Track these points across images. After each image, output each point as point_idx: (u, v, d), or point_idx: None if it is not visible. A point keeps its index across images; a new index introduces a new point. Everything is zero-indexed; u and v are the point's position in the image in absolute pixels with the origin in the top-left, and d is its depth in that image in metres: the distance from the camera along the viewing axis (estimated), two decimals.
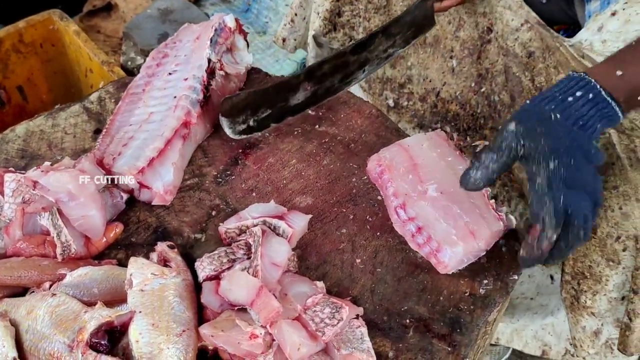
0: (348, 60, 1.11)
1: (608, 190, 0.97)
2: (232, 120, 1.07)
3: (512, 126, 0.87)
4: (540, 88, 1.16)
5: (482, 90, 1.25)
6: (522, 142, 0.86)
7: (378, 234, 0.99)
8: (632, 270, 0.97)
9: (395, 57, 1.17)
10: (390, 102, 1.37)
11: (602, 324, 1.08)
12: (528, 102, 0.89)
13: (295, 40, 1.55)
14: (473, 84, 1.26)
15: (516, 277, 0.95)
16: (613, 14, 1.09)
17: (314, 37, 1.45)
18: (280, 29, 1.56)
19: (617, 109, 0.85)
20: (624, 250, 0.97)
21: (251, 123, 1.08)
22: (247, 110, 1.07)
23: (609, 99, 0.86)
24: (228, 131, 1.07)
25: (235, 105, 1.06)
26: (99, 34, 2.40)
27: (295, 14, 1.50)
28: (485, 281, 0.94)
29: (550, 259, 0.84)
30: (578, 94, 0.87)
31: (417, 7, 1.14)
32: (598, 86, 0.86)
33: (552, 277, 1.37)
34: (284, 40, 1.56)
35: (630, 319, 1.01)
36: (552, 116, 0.87)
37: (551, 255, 0.83)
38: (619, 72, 0.87)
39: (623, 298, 1.03)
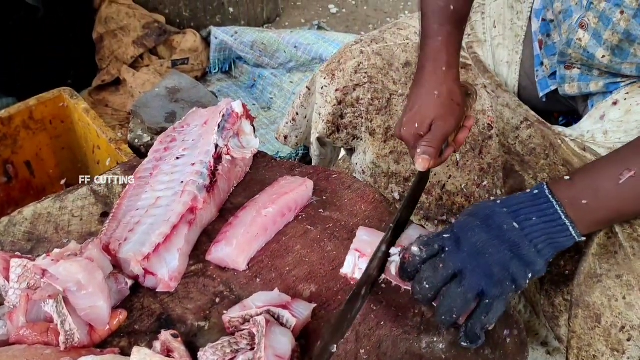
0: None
1: (612, 279, 0.97)
2: None
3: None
4: None
5: (484, 184, 1.27)
6: (454, 226, 0.94)
7: (382, 323, 0.98)
8: None
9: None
10: (396, 195, 1.39)
11: None
12: None
13: (297, 137, 1.59)
14: (476, 178, 1.28)
15: None
16: (614, 104, 1.12)
17: (318, 139, 1.49)
18: (282, 126, 1.60)
19: (558, 208, 0.91)
20: (628, 340, 0.96)
21: None
22: None
23: (549, 196, 0.92)
24: None
25: None
26: (107, 107, 2.46)
27: (297, 113, 1.55)
28: None
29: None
30: (527, 191, 0.94)
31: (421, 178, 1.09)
32: (545, 186, 0.93)
33: None
34: (285, 137, 1.61)
35: None
36: (492, 201, 0.95)
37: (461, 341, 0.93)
38: (566, 178, 0.94)
39: None
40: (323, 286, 1.03)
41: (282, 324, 0.93)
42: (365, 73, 1.36)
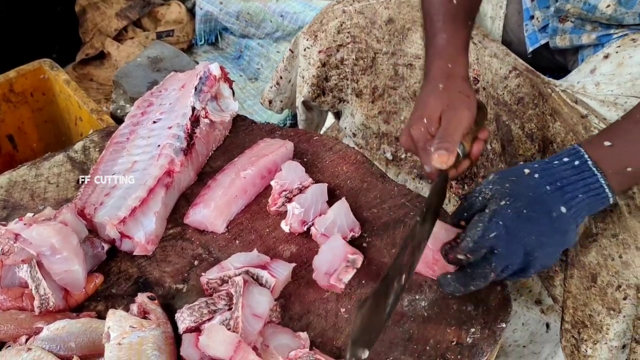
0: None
1: (607, 238, 0.96)
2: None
3: (489, 177, 0.88)
4: (531, 135, 1.16)
5: None
6: (490, 186, 0.88)
7: (363, 282, 0.97)
8: (633, 319, 0.96)
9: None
10: (389, 155, 1.37)
11: None
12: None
13: (281, 102, 1.56)
14: None
15: (504, 325, 0.93)
16: (606, 57, 1.09)
17: (304, 103, 1.46)
18: (267, 91, 1.57)
19: (603, 181, 0.85)
20: (624, 298, 0.95)
21: None
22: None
23: (594, 169, 0.86)
24: None
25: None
26: (91, 81, 2.43)
27: (281, 77, 1.52)
28: (473, 330, 0.91)
29: (448, 284, 0.88)
30: (565, 159, 0.87)
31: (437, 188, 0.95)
32: (586, 155, 0.87)
33: (547, 326, 1.35)
34: (270, 102, 1.58)
35: None
36: (529, 172, 0.88)
37: (450, 281, 0.88)
38: (607, 143, 0.88)
39: (624, 346, 1.01)
40: (303, 247, 1.02)
41: (261, 284, 0.92)
42: (348, 32, 1.33)
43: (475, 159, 1.01)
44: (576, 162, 0.87)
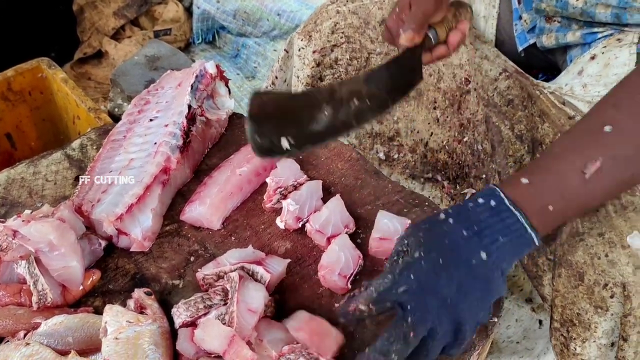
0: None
1: (594, 237, 0.97)
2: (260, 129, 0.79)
3: (405, 230, 0.83)
4: (520, 136, 1.17)
5: (465, 139, 1.26)
6: (406, 241, 0.80)
7: (357, 277, 0.98)
8: (621, 317, 0.97)
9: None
10: (382, 155, 1.38)
11: None
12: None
13: None
14: (457, 134, 1.27)
15: (496, 320, 0.94)
16: (592, 58, 1.11)
17: None
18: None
19: (524, 221, 0.78)
20: (611, 297, 0.96)
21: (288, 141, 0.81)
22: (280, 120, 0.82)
23: (512, 208, 0.79)
24: (255, 147, 0.79)
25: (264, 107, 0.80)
26: (89, 80, 2.44)
27: (276, 77, 1.53)
28: None
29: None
30: (480, 200, 0.80)
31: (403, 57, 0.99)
32: (502, 194, 0.80)
33: (540, 322, 1.37)
34: None
35: None
36: (444, 217, 0.80)
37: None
38: (524, 181, 0.81)
39: (613, 344, 1.02)
40: (298, 243, 1.03)
41: (256, 280, 0.93)
42: (342, 33, 1.35)
43: (452, 48, 1.04)
44: (492, 203, 0.79)
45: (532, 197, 0.79)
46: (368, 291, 0.77)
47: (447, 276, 0.75)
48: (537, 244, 0.79)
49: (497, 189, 0.80)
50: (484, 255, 0.77)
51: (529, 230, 0.78)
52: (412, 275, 0.75)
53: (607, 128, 0.79)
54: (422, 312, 0.74)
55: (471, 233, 0.77)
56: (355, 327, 0.89)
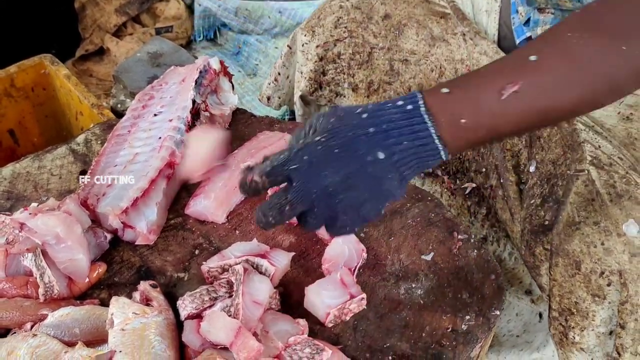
0: None
1: (589, 226, 0.98)
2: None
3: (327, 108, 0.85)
4: None
5: None
6: (321, 119, 0.82)
7: (361, 270, 0.99)
8: (618, 304, 0.98)
9: None
10: None
11: (592, 359, 1.08)
12: None
13: (279, 98, 1.58)
14: None
15: (498, 313, 0.95)
16: None
17: (301, 97, 1.48)
18: (265, 87, 1.59)
19: (432, 130, 0.77)
20: (608, 285, 0.97)
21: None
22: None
23: (425, 115, 0.78)
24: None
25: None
26: (91, 77, 2.44)
27: (279, 73, 1.54)
28: (468, 317, 0.94)
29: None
30: (399, 102, 0.80)
31: None
32: (420, 101, 0.79)
33: (540, 315, 1.37)
34: (268, 98, 1.60)
35: (619, 354, 1.00)
36: (360, 111, 0.81)
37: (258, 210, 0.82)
38: (444, 90, 0.80)
39: (611, 332, 1.03)
40: (302, 236, 1.04)
41: (261, 273, 0.94)
42: (345, 28, 1.35)
43: None
44: (409, 107, 0.78)
45: (447, 105, 0.79)
46: (264, 164, 0.81)
47: (336, 165, 0.77)
48: (443, 158, 0.79)
49: (418, 94, 0.80)
50: (381, 154, 0.77)
51: (436, 140, 0.78)
52: (305, 157, 0.78)
53: (533, 57, 0.79)
54: (303, 192, 0.78)
55: (377, 131, 0.78)
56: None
